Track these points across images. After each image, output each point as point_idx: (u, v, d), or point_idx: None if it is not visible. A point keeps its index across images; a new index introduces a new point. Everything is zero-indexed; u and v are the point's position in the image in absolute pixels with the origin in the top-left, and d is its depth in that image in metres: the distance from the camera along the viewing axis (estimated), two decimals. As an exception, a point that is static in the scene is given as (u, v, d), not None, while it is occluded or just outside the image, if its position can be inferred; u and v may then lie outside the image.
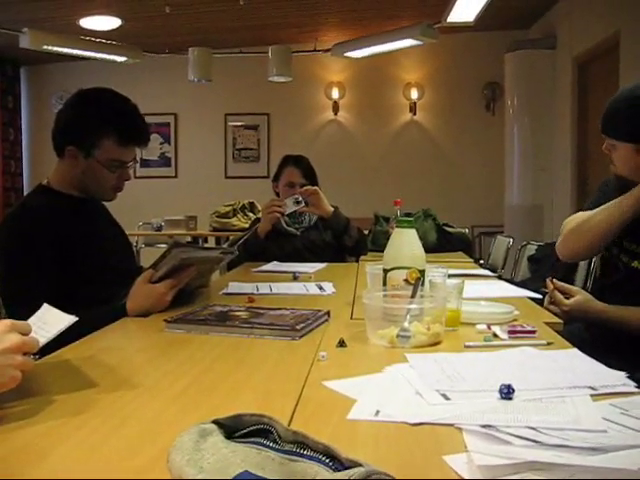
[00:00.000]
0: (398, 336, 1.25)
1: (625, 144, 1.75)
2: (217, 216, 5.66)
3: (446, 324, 1.34)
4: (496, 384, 0.93)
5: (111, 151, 1.79)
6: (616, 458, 0.70)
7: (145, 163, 7.59)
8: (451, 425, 0.83)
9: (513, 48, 6.28)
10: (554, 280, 1.83)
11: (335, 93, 7.46)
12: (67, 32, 5.50)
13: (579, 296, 1.78)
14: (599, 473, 0.66)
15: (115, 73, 6.49)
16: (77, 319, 1.02)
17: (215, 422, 0.67)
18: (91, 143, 1.78)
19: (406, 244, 1.50)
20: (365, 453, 0.75)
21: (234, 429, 0.67)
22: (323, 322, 1.49)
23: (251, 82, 7.26)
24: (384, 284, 1.49)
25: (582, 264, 2.74)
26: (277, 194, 3.12)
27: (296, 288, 2.06)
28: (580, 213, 1.89)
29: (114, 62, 5.60)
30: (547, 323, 1.50)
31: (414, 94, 7.34)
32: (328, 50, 5.69)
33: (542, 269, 3.15)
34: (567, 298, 1.78)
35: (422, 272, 1.47)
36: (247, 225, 4.79)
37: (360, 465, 0.56)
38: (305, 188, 2.89)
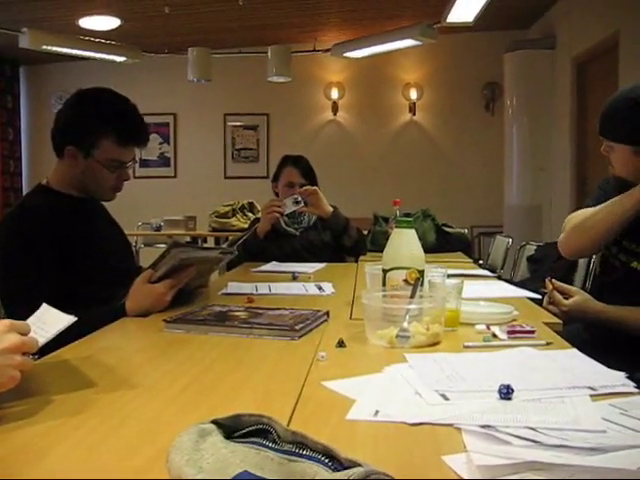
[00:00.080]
0: (397, 336, 1.25)
1: (623, 146, 1.75)
2: (216, 216, 5.66)
3: (445, 324, 1.34)
4: (495, 384, 0.93)
5: (110, 151, 1.79)
6: (615, 458, 0.70)
7: (144, 163, 7.59)
8: (450, 425, 0.83)
9: (512, 48, 6.29)
10: (553, 280, 1.82)
11: (334, 93, 7.46)
12: (66, 32, 5.49)
13: (578, 296, 1.78)
14: (598, 473, 0.66)
15: (114, 73, 6.49)
16: (76, 319, 1.02)
17: (214, 422, 0.67)
18: (90, 143, 1.78)
19: (405, 244, 1.50)
20: (364, 453, 0.75)
21: (233, 429, 0.67)
22: (322, 322, 1.49)
23: (250, 82, 7.25)
24: (383, 284, 1.49)
25: (581, 264, 2.74)
26: (276, 194, 3.12)
27: (295, 288, 2.06)
28: (582, 210, 1.88)
29: (113, 62, 5.59)
30: (546, 323, 1.50)
31: (413, 94, 7.34)
32: (327, 50, 5.69)
33: (541, 269, 3.15)
34: (566, 298, 1.78)
35: (421, 272, 1.47)
36: (246, 225, 4.79)
37: (359, 465, 0.56)
38: (304, 188, 2.90)
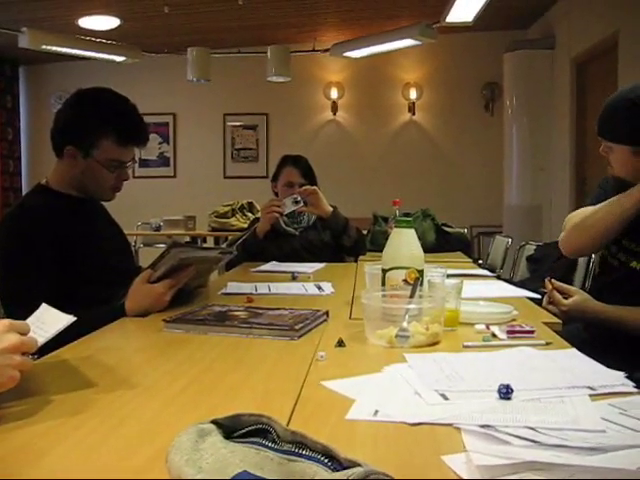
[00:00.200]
0: (397, 336, 1.25)
1: (622, 146, 1.75)
2: (216, 216, 5.66)
3: (445, 324, 1.34)
4: (495, 384, 0.93)
5: (110, 151, 1.79)
6: (615, 458, 0.70)
7: (144, 163, 7.59)
8: (450, 425, 0.83)
9: (512, 48, 6.29)
10: (553, 280, 1.82)
11: (334, 93, 7.46)
12: (66, 32, 5.49)
13: (577, 296, 1.78)
14: (598, 473, 0.66)
15: (114, 73, 6.48)
16: (75, 319, 1.02)
17: (214, 422, 0.67)
18: (90, 143, 1.77)
19: (405, 244, 1.50)
20: (364, 453, 0.75)
21: (233, 429, 0.67)
22: (322, 322, 1.49)
23: (250, 82, 7.26)
24: (383, 284, 1.49)
25: (581, 264, 2.74)
26: (276, 194, 3.12)
27: (295, 288, 2.06)
28: (583, 209, 1.88)
29: (113, 62, 5.59)
30: (546, 323, 1.50)
31: (413, 94, 7.34)
32: (327, 50, 5.68)
33: (541, 269, 3.15)
34: (566, 298, 1.78)
35: (421, 272, 1.47)
36: (246, 225, 4.80)
37: (359, 465, 0.56)
38: (304, 188, 2.90)
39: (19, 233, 1.70)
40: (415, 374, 1.04)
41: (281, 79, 5.71)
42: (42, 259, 1.68)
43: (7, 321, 0.90)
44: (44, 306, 1.06)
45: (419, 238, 1.52)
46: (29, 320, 0.99)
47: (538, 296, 1.87)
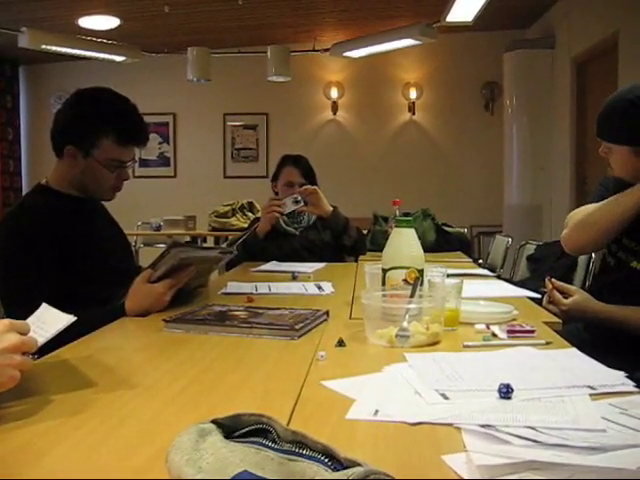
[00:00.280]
0: (397, 336, 1.25)
1: (622, 147, 1.74)
2: (216, 216, 5.66)
3: (445, 324, 1.34)
4: (495, 384, 0.93)
5: (110, 151, 1.79)
6: (615, 458, 0.70)
7: (144, 163, 7.59)
8: (450, 425, 0.83)
9: (512, 48, 6.29)
10: (553, 280, 1.82)
11: (334, 93, 7.46)
12: (66, 32, 5.49)
13: (577, 296, 1.77)
14: (598, 473, 0.65)
15: (114, 73, 6.48)
16: (76, 319, 1.02)
17: (214, 422, 0.67)
18: (90, 143, 1.77)
19: (405, 244, 1.50)
20: (364, 453, 0.75)
21: (233, 429, 0.67)
22: (322, 322, 1.49)
23: (250, 82, 7.26)
24: (383, 284, 1.49)
25: (581, 264, 2.74)
26: (276, 194, 3.11)
27: (295, 288, 2.06)
28: (585, 206, 1.88)
29: (113, 62, 5.59)
30: (546, 323, 1.50)
31: (413, 94, 7.34)
32: (327, 50, 5.69)
33: (541, 269, 3.15)
34: (566, 298, 1.77)
35: (421, 272, 1.47)
36: (246, 225, 4.80)
37: (359, 465, 0.56)
38: (304, 188, 2.90)
39: (19, 233, 1.70)
40: (415, 374, 1.04)
41: (281, 79, 5.72)
42: (42, 259, 1.68)
43: (7, 321, 0.90)
44: (44, 306, 1.06)
45: (419, 238, 1.52)
46: (29, 320, 0.99)
47: (538, 296, 1.87)
